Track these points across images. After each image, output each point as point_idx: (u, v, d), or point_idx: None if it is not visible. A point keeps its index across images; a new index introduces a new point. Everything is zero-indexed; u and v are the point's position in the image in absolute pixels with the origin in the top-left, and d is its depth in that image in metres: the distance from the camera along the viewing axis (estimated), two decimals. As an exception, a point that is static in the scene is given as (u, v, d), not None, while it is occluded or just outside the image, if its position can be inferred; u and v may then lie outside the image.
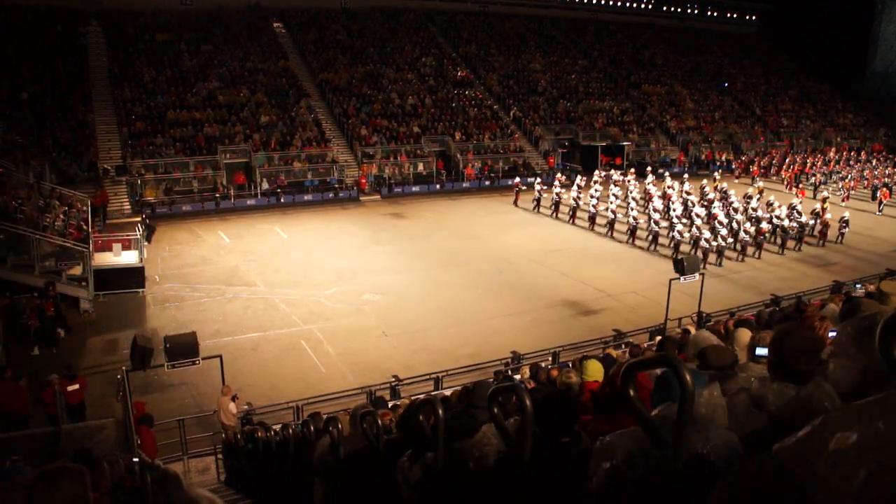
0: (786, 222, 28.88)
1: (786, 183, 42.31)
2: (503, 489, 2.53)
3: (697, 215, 29.34)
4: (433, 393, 13.37)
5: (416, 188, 39.65)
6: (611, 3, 64.25)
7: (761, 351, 3.27)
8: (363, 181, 38.23)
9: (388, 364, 17.52)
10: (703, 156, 49.20)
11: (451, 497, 2.96)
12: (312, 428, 6.93)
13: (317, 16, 50.88)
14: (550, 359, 16.54)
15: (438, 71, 49.47)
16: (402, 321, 20.64)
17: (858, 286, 19.54)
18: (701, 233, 26.94)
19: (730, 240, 27.81)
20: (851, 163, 47.28)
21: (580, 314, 21.61)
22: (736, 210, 30.84)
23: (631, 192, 33.96)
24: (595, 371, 6.98)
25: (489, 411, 2.83)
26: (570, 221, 33.11)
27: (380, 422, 4.53)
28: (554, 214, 34.08)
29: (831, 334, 3.70)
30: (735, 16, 70.57)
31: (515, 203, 36.69)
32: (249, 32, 46.93)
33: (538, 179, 38.08)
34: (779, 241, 28.83)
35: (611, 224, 30.51)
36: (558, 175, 38.17)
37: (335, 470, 4.81)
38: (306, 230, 31.14)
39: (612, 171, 39.38)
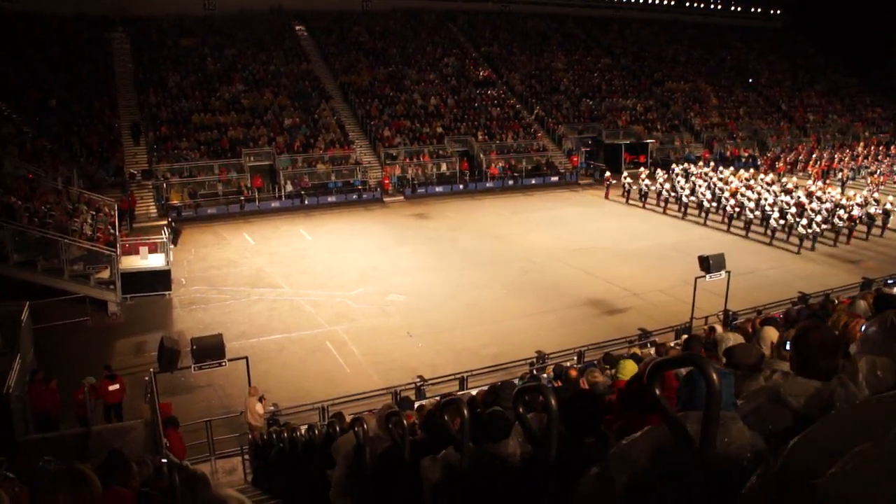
0: (871, 209, 29.94)
1: (813, 179, 41.75)
2: (528, 490, 2.52)
3: (787, 204, 30.05)
4: (459, 393, 13.35)
5: (439, 188, 39.68)
6: (633, 0, 63.84)
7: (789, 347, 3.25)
8: (386, 182, 38.31)
9: (412, 364, 17.53)
10: (727, 152, 48.71)
11: (476, 497, 2.95)
12: (338, 428, 6.95)
13: (338, 18, 51.09)
14: (575, 358, 16.46)
15: (460, 71, 49.45)
16: (427, 321, 20.64)
17: (890, 280, 19.23)
18: (796, 221, 28.11)
19: (824, 226, 28.59)
20: (880, 157, 46.51)
21: (605, 313, 21.48)
22: (820, 199, 31.19)
23: (716, 184, 35.32)
24: (631, 370, 6.96)
25: (514, 411, 2.82)
26: (663, 211, 35.36)
27: (405, 422, 4.53)
28: (643, 204, 36.40)
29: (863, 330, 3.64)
30: (759, 10, 69.85)
31: (607, 196, 38.84)
32: (272, 36, 47.24)
33: (625, 174, 39.04)
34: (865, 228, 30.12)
35: (706, 212, 32.74)
36: (642, 169, 39.51)
37: (361, 470, 4.83)
38: (330, 232, 31.27)
39: (689, 165, 39.75)
